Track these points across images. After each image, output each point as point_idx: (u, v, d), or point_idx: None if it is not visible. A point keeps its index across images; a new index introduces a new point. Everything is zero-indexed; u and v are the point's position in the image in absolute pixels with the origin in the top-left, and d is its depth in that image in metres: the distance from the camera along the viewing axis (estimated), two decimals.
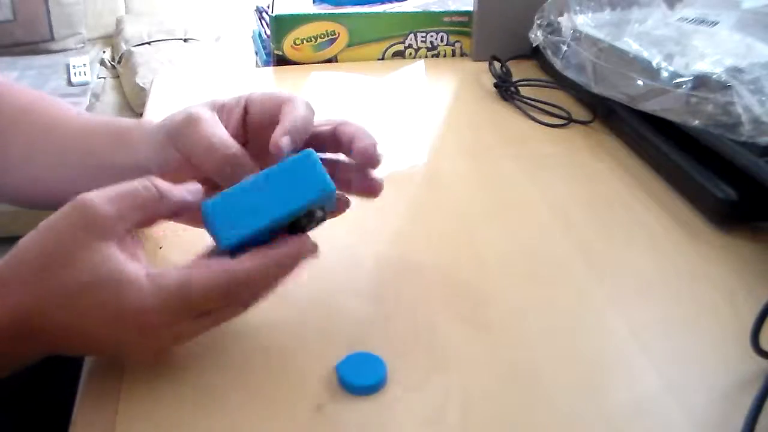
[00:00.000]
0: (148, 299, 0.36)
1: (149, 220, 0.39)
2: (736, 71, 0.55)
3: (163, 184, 0.39)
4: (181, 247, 0.51)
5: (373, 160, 0.43)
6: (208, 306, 0.38)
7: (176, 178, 0.41)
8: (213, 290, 0.37)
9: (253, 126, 0.46)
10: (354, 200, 0.46)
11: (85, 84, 2.02)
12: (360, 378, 0.39)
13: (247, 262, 0.38)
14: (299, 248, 0.40)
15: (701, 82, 0.57)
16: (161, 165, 0.46)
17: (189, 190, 0.40)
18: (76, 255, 0.36)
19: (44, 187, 0.53)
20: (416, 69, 0.88)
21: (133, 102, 1.99)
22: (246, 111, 0.46)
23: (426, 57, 0.91)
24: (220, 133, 0.43)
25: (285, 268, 0.39)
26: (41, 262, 0.36)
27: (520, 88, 0.77)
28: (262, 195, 0.39)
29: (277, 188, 0.39)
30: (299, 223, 0.40)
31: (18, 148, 0.53)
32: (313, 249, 0.41)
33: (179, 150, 0.44)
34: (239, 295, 0.38)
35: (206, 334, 0.41)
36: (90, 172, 0.51)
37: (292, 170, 0.40)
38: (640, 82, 0.62)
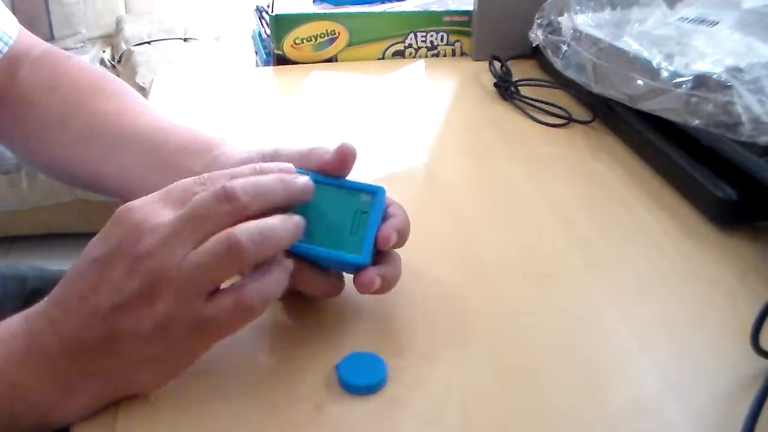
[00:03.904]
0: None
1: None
2: (736, 71, 0.55)
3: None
4: None
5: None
6: (186, 191, 0.38)
7: None
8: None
9: None
10: None
11: None
12: (360, 378, 0.39)
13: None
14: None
15: (701, 81, 0.57)
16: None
17: None
18: None
19: (95, 169, 0.54)
20: (416, 69, 0.88)
21: None
22: None
23: (426, 57, 0.91)
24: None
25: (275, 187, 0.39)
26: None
27: (520, 87, 0.77)
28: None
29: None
30: None
31: (78, 126, 0.55)
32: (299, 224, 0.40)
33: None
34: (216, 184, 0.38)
35: None
36: (148, 168, 0.52)
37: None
38: (640, 82, 0.62)
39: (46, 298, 0.38)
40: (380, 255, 0.43)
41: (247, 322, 0.38)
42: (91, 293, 0.36)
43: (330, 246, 0.41)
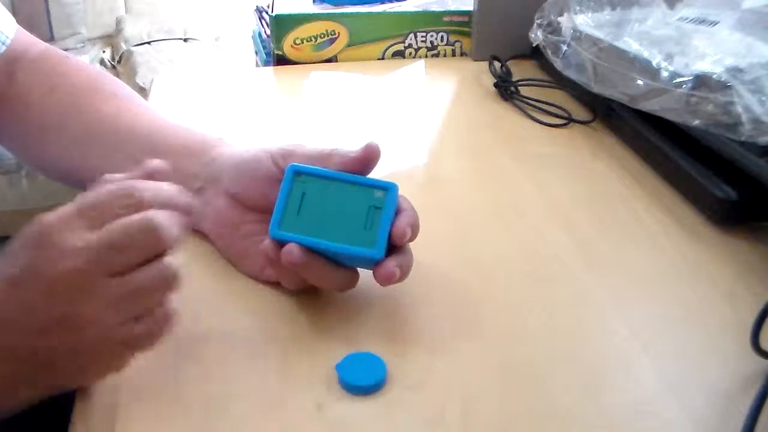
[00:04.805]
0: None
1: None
2: (736, 71, 0.55)
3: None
4: None
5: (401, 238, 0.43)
6: (103, 209, 0.37)
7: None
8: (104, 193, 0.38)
9: None
10: None
11: None
12: (360, 378, 0.39)
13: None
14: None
15: (701, 81, 0.57)
16: (236, 183, 0.48)
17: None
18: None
19: (94, 171, 0.54)
20: (416, 69, 0.88)
21: None
22: None
23: (426, 57, 0.91)
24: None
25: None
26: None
27: (520, 87, 0.77)
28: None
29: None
30: None
31: (76, 128, 0.55)
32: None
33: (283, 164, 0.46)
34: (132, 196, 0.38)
35: (205, 332, 0.40)
36: None
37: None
38: (640, 82, 0.62)
39: None
40: (392, 248, 0.43)
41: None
42: (17, 315, 0.35)
43: (345, 241, 0.42)
